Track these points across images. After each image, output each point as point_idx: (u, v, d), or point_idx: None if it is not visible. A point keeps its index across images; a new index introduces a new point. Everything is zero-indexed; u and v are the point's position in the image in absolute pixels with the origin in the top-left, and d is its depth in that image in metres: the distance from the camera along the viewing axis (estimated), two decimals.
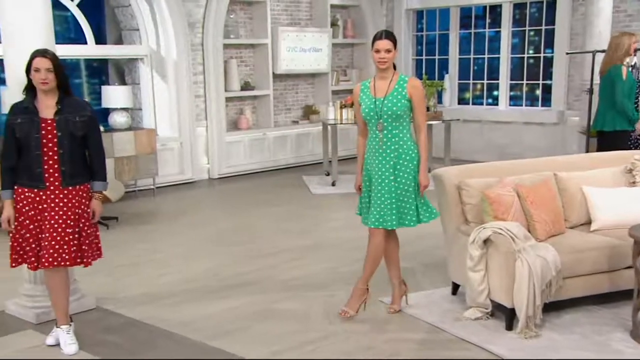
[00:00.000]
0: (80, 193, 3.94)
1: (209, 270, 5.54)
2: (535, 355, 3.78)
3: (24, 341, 4.15)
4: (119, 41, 9.44)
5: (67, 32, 8.84)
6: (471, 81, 11.49)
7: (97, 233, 4.12)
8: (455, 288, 4.66)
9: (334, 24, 11.16)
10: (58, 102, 3.85)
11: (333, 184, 9.05)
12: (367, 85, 4.29)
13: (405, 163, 4.18)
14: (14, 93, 4.25)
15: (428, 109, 9.34)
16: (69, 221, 3.89)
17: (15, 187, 3.89)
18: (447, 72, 11.45)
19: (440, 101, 10.96)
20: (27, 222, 3.88)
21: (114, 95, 8.29)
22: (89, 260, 4.03)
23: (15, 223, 3.90)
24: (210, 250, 6.26)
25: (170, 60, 9.17)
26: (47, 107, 3.84)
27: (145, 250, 6.19)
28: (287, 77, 10.87)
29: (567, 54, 8.92)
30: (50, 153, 3.82)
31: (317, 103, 11.28)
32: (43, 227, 3.86)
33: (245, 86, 10.26)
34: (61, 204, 3.88)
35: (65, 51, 8.56)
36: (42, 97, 3.84)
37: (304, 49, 10.62)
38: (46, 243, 3.84)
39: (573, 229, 4.61)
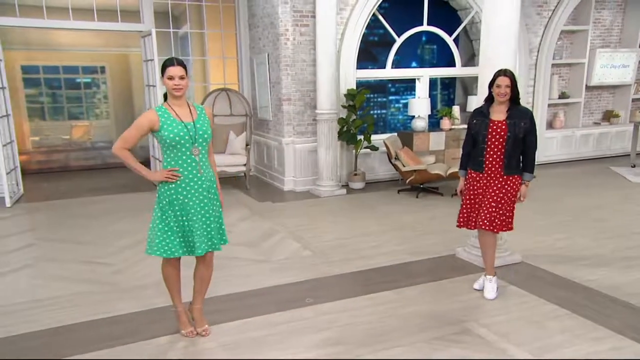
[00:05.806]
0: (512, 180, 3.46)
1: (592, 241, 4.61)
2: None
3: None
4: (468, 64, 8.88)
5: (443, 57, 8.59)
6: None
7: (512, 212, 3.51)
8: None
9: None
10: (509, 109, 3.42)
11: None
12: (165, 110, 2.78)
13: (214, 186, 2.94)
14: (480, 101, 3.97)
15: None
16: (505, 198, 3.44)
17: (468, 169, 3.61)
18: None
19: None
20: (471, 194, 3.56)
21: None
22: (501, 229, 3.50)
23: (464, 195, 3.62)
24: (579, 224, 5.13)
25: None
26: (499, 112, 3.44)
27: (522, 218, 5.24)
28: (594, 88, 9.24)
29: None
30: (492, 146, 3.42)
31: (616, 108, 9.46)
32: (481, 201, 3.50)
33: (562, 95, 8.97)
34: (494, 187, 3.47)
35: (442, 72, 8.38)
36: (495, 105, 3.45)
37: (614, 66, 8.91)
38: (482, 212, 3.47)
39: None
